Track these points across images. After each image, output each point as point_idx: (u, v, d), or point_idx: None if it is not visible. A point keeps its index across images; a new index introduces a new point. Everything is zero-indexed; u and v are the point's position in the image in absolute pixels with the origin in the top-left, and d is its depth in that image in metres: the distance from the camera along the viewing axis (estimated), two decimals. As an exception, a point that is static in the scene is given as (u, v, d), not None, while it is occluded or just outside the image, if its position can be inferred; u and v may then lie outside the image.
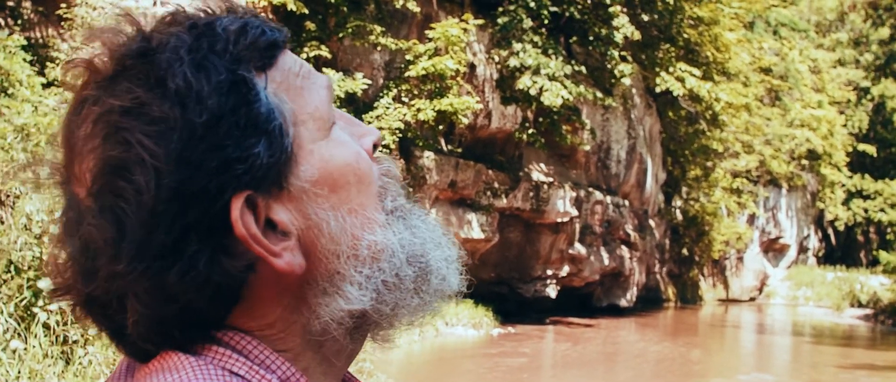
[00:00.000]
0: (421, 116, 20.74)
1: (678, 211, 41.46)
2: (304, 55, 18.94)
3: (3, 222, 7.93)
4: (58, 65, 13.52)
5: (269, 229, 0.96)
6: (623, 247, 32.51)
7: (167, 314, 0.93)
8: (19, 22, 13.64)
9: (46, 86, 11.65)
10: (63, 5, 13.18)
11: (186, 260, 0.91)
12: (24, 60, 10.61)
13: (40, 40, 13.91)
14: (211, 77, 0.93)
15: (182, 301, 0.92)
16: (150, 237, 0.90)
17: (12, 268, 7.62)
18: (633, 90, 31.93)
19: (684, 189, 41.41)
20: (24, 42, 11.19)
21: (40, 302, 7.51)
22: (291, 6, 18.25)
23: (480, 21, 23.28)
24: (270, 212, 0.95)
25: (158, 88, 0.92)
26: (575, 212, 28.38)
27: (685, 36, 31.48)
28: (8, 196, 8.24)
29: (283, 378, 0.97)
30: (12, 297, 7.51)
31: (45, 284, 7.52)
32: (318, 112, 1.01)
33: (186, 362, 0.93)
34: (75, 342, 7.58)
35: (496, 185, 25.40)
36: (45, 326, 7.51)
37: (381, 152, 1.12)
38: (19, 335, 7.35)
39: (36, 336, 7.35)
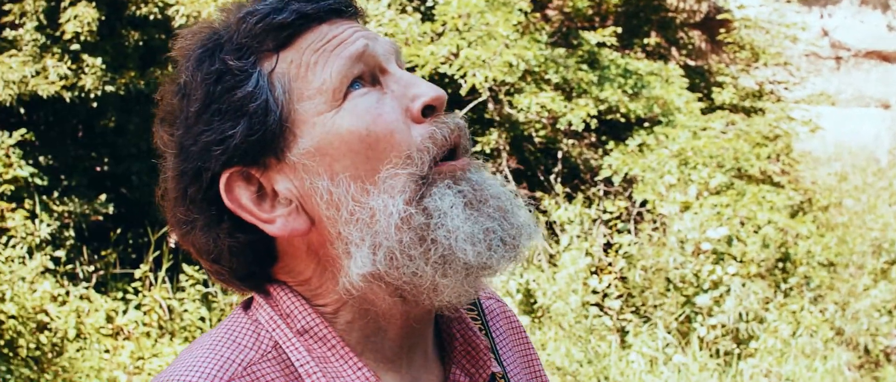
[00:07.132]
0: None
1: None
2: None
3: (663, 244, 8.36)
4: (724, 89, 13.26)
5: (273, 197, 1.06)
6: None
7: (219, 258, 1.08)
8: (685, 51, 13.81)
9: (709, 110, 11.62)
10: (722, 30, 13.37)
11: (199, 227, 1.06)
12: (682, 87, 10.80)
13: (706, 67, 13.95)
14: (202, 69, 1.04)
15: (217, 253, 1.07)
16: (173, 209, 1.08)
17: (671, 286, 8.05)
18: None
19: None
20: (681, 71, 11.46)
21: (698, 318, 7.85)
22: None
23: None
24: (270, 182, 1.06)
25: (175, 85, 1.07)
26: None
27: None
28: (661, 215, 8.67)
29: (302, 328, 1.06)
30: (672, 313, 7.96)
31: (702, 300, 7.89)
32: (325, 85, 1.04)
33: (234, 314, 1.11)
34: (728, 353, 7.80)
35: None
36: (701, 340, 7.87)
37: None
38: (679, 348, 7.76)
39: (693, 350, 7.69)
